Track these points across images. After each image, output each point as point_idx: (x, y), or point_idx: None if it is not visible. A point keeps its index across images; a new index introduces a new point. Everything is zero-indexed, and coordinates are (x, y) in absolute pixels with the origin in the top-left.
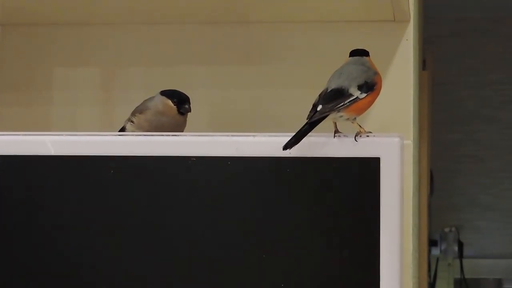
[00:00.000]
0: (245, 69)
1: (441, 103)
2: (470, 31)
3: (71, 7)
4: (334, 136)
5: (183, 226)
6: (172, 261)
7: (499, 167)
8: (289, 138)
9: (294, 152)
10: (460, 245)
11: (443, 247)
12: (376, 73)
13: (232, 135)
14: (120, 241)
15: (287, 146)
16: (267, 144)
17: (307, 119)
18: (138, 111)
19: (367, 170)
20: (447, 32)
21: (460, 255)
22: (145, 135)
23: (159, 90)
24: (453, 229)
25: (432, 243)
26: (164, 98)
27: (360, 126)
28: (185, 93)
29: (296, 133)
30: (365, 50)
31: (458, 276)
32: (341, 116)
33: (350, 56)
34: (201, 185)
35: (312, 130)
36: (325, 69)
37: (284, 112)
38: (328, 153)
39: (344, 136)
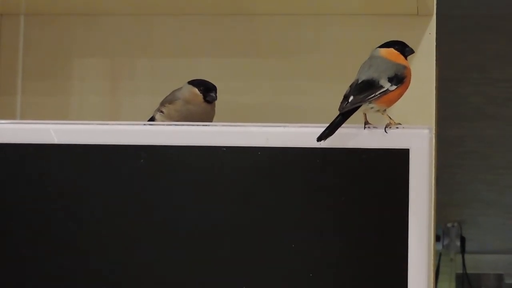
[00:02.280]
0: (265, 61)
1: (446, 99)
2: (475, 28)
3: None
4: (365, 128)
5: (213, 215)
6: (202, 249)
7: (502, 164)
8: (318, 129)
9: (324, 143)
10: (462, 240)
11: (445, 242)
12: (405, 67)
13: (263, 125)
14: (148, 232)
15: (321, 137)
16: (298, 135)
17: (339, 110)
18: (167, 101)
19: (396, 162)
20: (452, 29)
21: (462, 250)
22: (176, 124)
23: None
24: (456, 224)
25: (435, 238)
26: (191, 87)
27: (390, 118)
28: None
29: (330, 124)
30: (399, 43)
31: (460, 271)
32: (372, 108)
33: (379, 47)
34: (231, 175)
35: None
36: (348, 63)
37: (302, 104)
38: (358, 144)
39: (374, 127)
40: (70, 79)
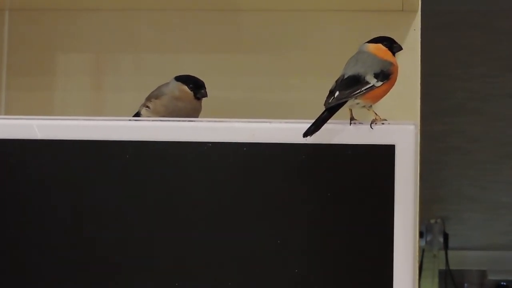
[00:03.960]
0: (250, 57)
1: (428, 95)
2: (459, 24)
3: None
4: (350, 123)
5: (198, 211)
6: (186, 246)
7: (486, 159)
8: (304, 124)
9: (310, 138)
10: (446, 236)
11: (428, 238)
12: (392, 63)
13: (249, 121)
14: (133, 228)
15: (307, 133)
16: (284, 131)
17: (324, 105)
18: (153, 96)
19: (382, 157)
20: (435, 24)
21: (445, 247)
22: (161, 120)
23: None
24: (439, 220)
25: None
26: (180, 84)
27: (375, 114)
28: None
29: (316, 120)
30: (387, 38)
31: (443, 267)
32: (357, 103)
33: (366, 43)
34: (217, 171)
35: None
36: (334, 58)
37: (288, 99)
38: (344, 140)
39: (359, 123)
40: (55, 74)
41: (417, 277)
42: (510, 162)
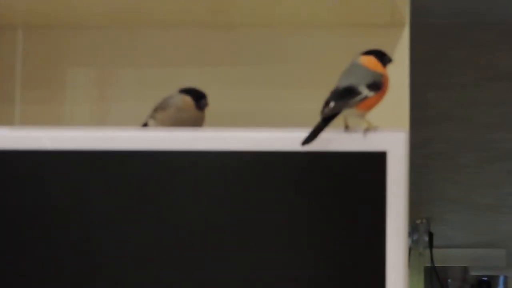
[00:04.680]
0: (247, 70)
1: (414, 103)
2: (443, 37)
3: (79, 10)
4: (345, 132)
5: (204, 216)
6: (192, 249)
7: (468, 164)
8: (301, 134)
9: (308, 146)
10: (430, 235)
11: (414, 237)
12: (383, 75)
13: (249, 131)
14: (140, 235)
15: (305, 142)
16: (283, 139)
17: (320, 115)
18: (159, 108)
19: (375, 164)
20: (421, 37)
21: (430, 245)
22: (168, 130)
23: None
24: (424, 221)
25: None
26: (183, 95)
27: (368, 122)
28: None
29: (313, 129)
30: (379, 51)
31: (428, 264)
32: (351, 113)
33: (360, 55)
34: (221, 178)
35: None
36: (327, 70)
37: (285, 110)
38: (339, 148)
39: (353, 131)
40: (63, 87)
41: (407, 274)
42: (491, 167)
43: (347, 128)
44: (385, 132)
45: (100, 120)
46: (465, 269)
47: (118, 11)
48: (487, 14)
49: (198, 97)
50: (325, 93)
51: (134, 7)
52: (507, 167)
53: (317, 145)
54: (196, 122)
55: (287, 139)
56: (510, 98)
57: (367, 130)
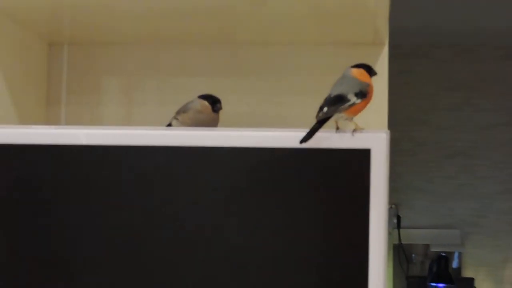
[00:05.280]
0: (241, 82)
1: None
2: (411, 54)
3: (111, 31)
4: (336, 132)
5: (214, 200)
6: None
7: (429, 159)
8: (300, 133)
9: (305, 144)
10: (398, 218)
11: None
12: (369, 85)
13: (255, 130)
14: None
15: (303, 140)
16: (284, 138)
17: (316, 118)
18: (181, 111)
19: (361, 159)
20: (395, 55)
21: (398, 226)
22: (188, 129)
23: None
24: (393, 206)
25: None
26: (201, 100)
27: (356, 124)
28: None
29: (309, 130)
30: (366, 65)
31: (396, 242)
32: (341, 116)
33: (350, 68)
34: (231, 168)
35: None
36: (319, 81)
37: (285, 113)
38: (331, 145)
39: (343, 132)
40: (98, 93)
41: (387, 246)
42: (448, 161)
43: (338, 129)
44: (369, 133)
45: (127, 120)
46: (426, 246)
47: (143, 31)
48: (445, 36)
49: (214, 102)
50: (315, 100)
51: (156, 28)
52: (460, 162)
53: (312, 143)
54: (212, 122)
55: (287, 137)
56: (463, 105)
57: (354, 130)
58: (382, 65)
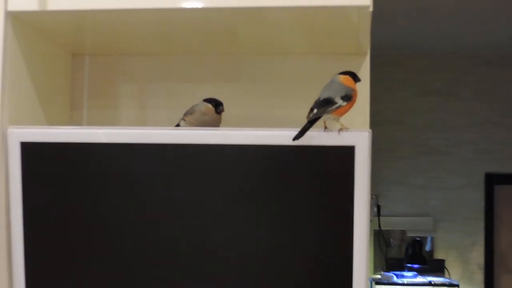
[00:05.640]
0: (239, 88)
1: None
2: (388, 63)
3: (127, 44)
4: (324, 131)
5: (220, 188)
6: (213, 219)
7: (405, 156)
8: (292, 132)
9: (297, 142)
10: (378, 207)
11: None
12: (353, 90)
13: (254, 129)
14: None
15: (296, 138)
16: (279, 136)
17: (307, 118)
18: (188, 112)
19: (346, 154)
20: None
21: (378, 214)
22: (194, 129)
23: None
24: (374, 197)
25: None
26: (205, 103)
27: (342, 124)
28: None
29: (301, 129)
30: (351, 72)
31: (377, 228)
32: (329, 117)
33: (338, 74)
34: (232, 164)
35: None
36: (309, 87)
37: (280, 114)
38: (320, 143)
39: (330, 131)
40: (117, 98)
41: (369, 232)
42: (422, 157)
43: (326, 128)
44: (353, 131)
45: (141, 122)
46: (403, 232)
47: (155, 44)
48: (420, 47)
49: (217, 104)
50: (306, 103)
51: (166, 41)
52: (432, 158)
53: (304, 141)
54: (215, 123)
55: (282, 136)
56: (435, 108)
57: (340, 130)
58: (364, 73)
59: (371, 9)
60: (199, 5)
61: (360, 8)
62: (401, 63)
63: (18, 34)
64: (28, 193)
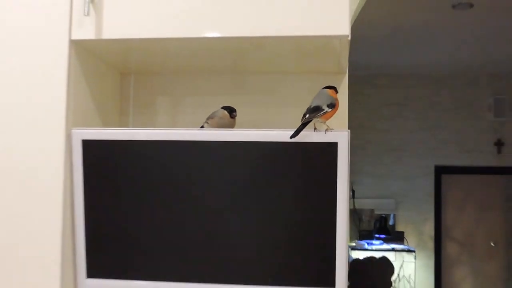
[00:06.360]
0: (247, 98)
1: None
2: (361, 81)
3: (161, 65)
4: (314, 131)
5: (234, 175)
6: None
7: (374, 153)
8: (289, 132)
9: (293, 139)
10: (353, 191)
11: None
12: (336, 99)
13: (259, 130)
14: (204, 194)
15: (292, 136)
16: (279, 135)
17: (301, 121)
18: (210, 117)
19: (331, 149)
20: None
21: (353, 197)
22: (214, 130)
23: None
24: (350, 183)
25: None
26: (222, 110)
27: (327, 126)
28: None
29: (296, 129)
30: (334, 86)
31: (352, 207)
32: (318, 120)
33: (323, 88)
34: (245, 156)
35: (304, 128)
36: (299, 98)
37: (278, 119)
38: (311, 140)
39: (319, 131)
40: (154, 106)
41: (348, 211)
42: (386, 154)
43: (315, 129)
44: (336, 131)
45: (173, 125)
46: (372, 210)
47: (183, 65)
48: (384, 69)
49: (231, 111)
50: (298, 110)
51: (191, 63)
52: (394, 154)
53: (298, 138)
54: (230, 125)
55: (281, 135)
56: (396, 116)
57: (326, 130)
58: (343, 88)
59: (349, 38)
60: (217, 34)
61: (341, 37)
62: (371, 81)
63: (79, 57)
64: (87, 178)
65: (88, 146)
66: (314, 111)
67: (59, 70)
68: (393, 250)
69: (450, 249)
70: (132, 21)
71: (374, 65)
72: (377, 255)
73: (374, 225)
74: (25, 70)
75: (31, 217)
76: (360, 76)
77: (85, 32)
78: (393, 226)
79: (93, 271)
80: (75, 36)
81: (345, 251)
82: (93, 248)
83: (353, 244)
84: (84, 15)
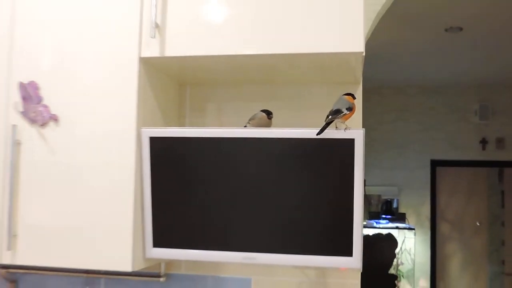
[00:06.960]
0: (279, 104)
1: None
2: (370, 91)
3: (211, 77)
4: (336, 129)
5: (269, 170)
6: (261, 189)
7: (379, 150)
8: (316, 130)
9: (319, 136)
10: (364, 180)
11: None
12: (354, 104)
13: (291, 129)
14: (245, 183)
15: (318, 133)
16: (308, 132)
17: (325, 121)
18: (251, 118)
19: (349, 145)
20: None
21: (364, 185)
22: (256, 129)
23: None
24: None
25: None
26: (261, 112)
27: (346, 125)
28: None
29: (321, 128)
30: (351, 93)
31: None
32: (338, 120)
33: (343, 95)
34: (279, 149)
35: (328, 127)
36: (321, 104)
37: (306, 120)
38: (333, 136)
39: (339, 129)
40: (204, 112)
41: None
42: (390, 150)
43: (336, 128)
44: (353, 130)
45: (220, 125)
46: (379, 196)
47: (229, 77)
48: (387, 81)
49: (268, 113)
50: (321, 113)
51: (235, 75)
52: (396, 150)
53: (323, 135)
54: (268, 125)
55: (309, 132)
56: (397, 120)
57: (346, 129)
58: (358, 95)
59: (363, 54)
60: (256, 52)
61: (356, 54)
62: (377, 91)
63: (146, 71)
64: (154, 168)
65: (154, 142)
66: (335, 113)
67: (131, 82)
68: (396, 228)
69: (443, 227)
70: (188, 42)
71: (379, 78)
72: (384, 232)
73: (381, 208)
74: (104, 82)
75: (110, 199)
76: (367, 87)
77: (152, 51)
78: (397, 208)
79: (158, 242)
80: (143, 54)
81: (361, 227)
82: (158, 224)
83: (364, 223)
84: (151, 37)
